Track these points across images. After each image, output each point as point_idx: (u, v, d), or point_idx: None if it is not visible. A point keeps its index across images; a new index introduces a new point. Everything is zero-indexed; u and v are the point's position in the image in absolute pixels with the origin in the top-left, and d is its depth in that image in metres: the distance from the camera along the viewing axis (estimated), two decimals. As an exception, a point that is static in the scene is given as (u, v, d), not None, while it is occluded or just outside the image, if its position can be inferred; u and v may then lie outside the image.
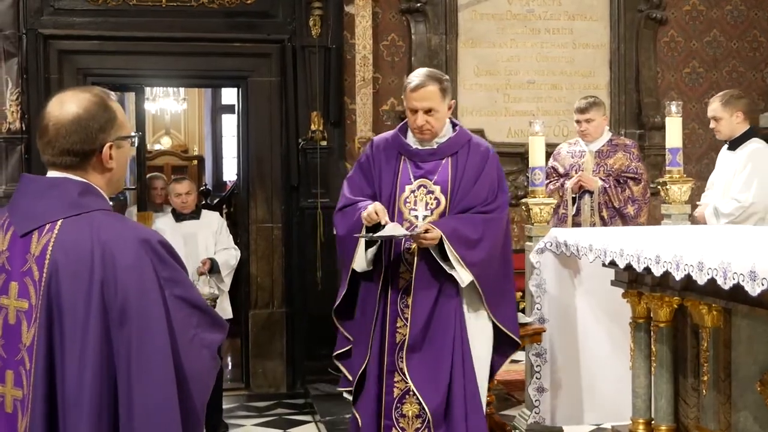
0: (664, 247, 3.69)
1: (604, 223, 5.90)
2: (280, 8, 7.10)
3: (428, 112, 4.01)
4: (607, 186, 5.93)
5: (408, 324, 3.99)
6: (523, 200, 5.49)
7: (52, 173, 2.20)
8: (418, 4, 7.35)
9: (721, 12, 7.87)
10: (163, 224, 6.15)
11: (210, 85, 11.08)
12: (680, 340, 4.22)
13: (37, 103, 6.76)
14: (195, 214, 6.22)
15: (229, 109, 14.20)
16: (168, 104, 15.75)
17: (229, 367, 8.05)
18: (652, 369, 4.26)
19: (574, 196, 5.98)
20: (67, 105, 2.18)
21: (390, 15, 7.42)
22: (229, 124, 15.22)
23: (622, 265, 4.02)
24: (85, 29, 6.89)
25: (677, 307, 4.07)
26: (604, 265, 4.38)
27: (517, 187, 7.46)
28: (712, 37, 7.87)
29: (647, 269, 3.78)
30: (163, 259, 2.15)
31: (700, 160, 7.82)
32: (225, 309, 6.18)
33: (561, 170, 6.13)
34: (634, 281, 4.31)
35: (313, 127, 7.01)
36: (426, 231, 3.92)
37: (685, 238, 3.93)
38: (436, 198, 4.06)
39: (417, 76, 4.07)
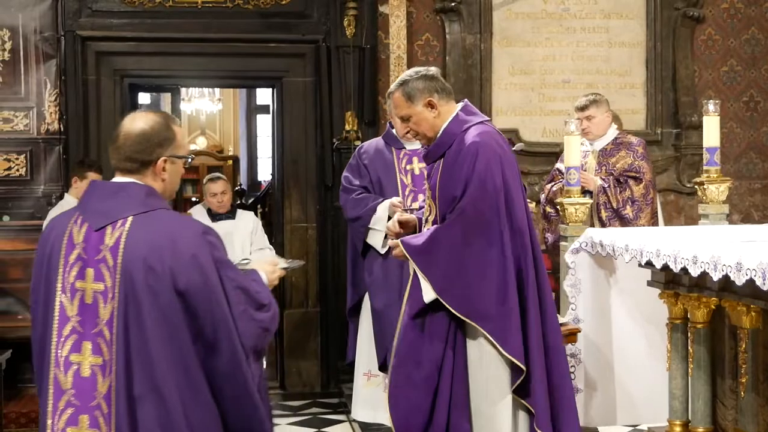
0: (701, 247, 3.65)
1: (603, 225, 5.69)
2: (314, 8, 7.13)
3: (402, 119, 3.85)
4: (606, 186, 5.77)
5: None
6: (558, 200, 5.46)
7: (118, 178, 2.68)
8: (453, 4, 7.34)
9: (760, 9, 7.78)
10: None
11: (245, 85, 11.14)
12: (718, 342, 4.18)
13: (75, 105, 6.85)
14: (230, 214, 6.24)
15: (264, 109, 14.27)
16: (203, 105, 15.85)
17: (264, 366, 8.08)
18: (689, 370, 4.23)
19: None
20: (137, 121, 2.69)
21: (424, 15, 7.41)
22: (264, 124, 15.30)
23: (658, 266, 3.98)
24: (122, 31, 6.97)
25: (715, 308, 4.03)
26: (640, 265, 4.35)
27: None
28: (751, 35, 7.78)
29: (684, 270, 3.75)
30: (217, 247, 2.63)
31: (738, 159, 7.73)
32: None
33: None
34: (670, 282, 4.28)
35: (347, 127, 7.03)
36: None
37: (723, 238, 3.89)
38: (429, 205, 3.89)
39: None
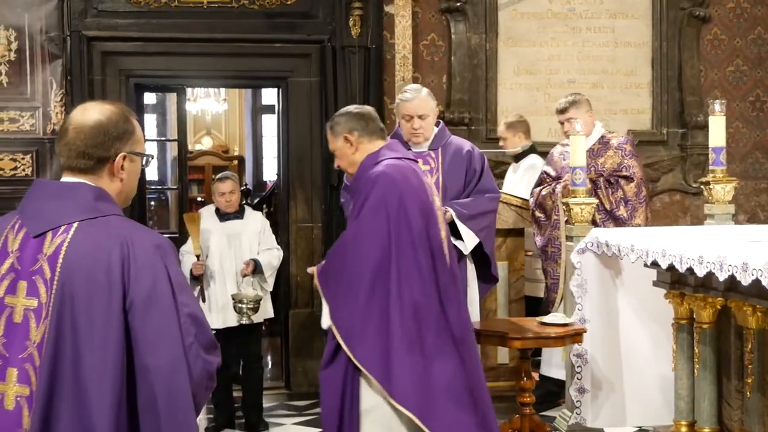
0: (707, 247, 3.65)
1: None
2: (320, 9, 7.13)
3: (332, 151, 4.14)
4: (597, 188, 5.69)
5: None
6: (564, 200, 5.44)
7: (66, 178, 2.30)
8: (458, 4, 7.34)
9: (766, 9, 7.77)
10: (208, 224, 6.10)
11: (250, 85, 11.14)
12: (723, 342, 4.17)
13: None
14: (239, 214, 6.20)
15: (270, 109, 14.28)
16: (209, 105, 15.87)
17: (269, 366, 8.10)
18: (695, 371, 4.22)
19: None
20: (90, 112, 2.31)
21: (430, 14, 7.42)
22: (270, 124, 15.30)
23: (664, 266, 3.98)
24: (127, 31, 6.98)
25: (720, 308, 4.03)
26: (646, 265, 4.35)
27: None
28: (757, 35, 7.77)
29: (690, 270, 3.75)
30: (173, 264, 2.27)
31: (744, 159, 7.72)
32: (266, 309, 6.18)
33: (553, 174, 5.93)
34: (676, 282, 4.27)
35: (352, 127, 7.03)
36: None
37: (728, 238, 3.88)
38: None
39: None
